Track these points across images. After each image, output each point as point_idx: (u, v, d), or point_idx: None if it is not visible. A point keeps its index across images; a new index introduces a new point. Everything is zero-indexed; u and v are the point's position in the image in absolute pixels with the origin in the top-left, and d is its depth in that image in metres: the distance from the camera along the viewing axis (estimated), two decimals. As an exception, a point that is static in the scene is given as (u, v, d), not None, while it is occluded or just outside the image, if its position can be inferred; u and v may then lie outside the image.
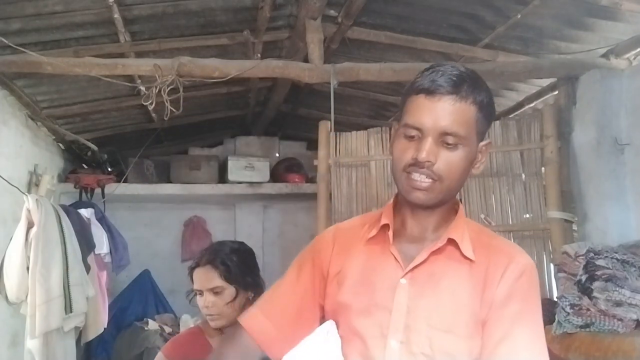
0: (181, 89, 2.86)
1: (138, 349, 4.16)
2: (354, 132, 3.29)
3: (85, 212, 3.86)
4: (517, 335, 1.06)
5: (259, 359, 1.21)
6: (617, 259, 2.36)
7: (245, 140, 5.52)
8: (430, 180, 1.08)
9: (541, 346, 1.08)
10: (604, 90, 2.83)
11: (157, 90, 2.83)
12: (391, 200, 1.22)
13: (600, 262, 2.35)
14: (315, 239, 1.30)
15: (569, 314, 2.32)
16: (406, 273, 1.12)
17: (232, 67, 3.00)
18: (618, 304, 2.22)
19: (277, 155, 5.51)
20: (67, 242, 3.16)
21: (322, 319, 1.22)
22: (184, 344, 1.83)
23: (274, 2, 2.97)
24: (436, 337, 1.07)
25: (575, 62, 2.97)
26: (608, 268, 2.32)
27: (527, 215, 3.03)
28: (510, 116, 3.72)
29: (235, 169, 4.83)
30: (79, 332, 3.37)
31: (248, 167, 4.85)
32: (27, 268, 2.90)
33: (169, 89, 2.83)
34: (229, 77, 2.98)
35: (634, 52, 2.79)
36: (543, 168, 3.02)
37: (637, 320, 2.19)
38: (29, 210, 2.99)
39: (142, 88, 3.28)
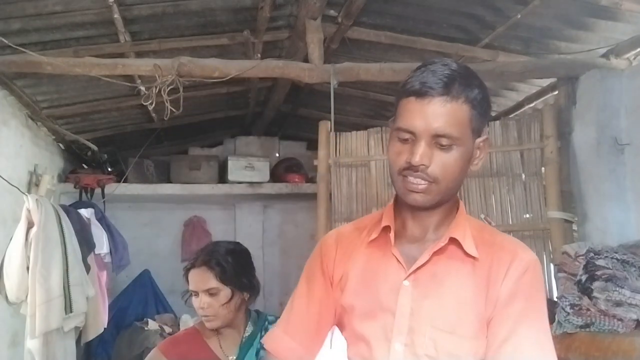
0: (181, 89, 2.86)
1: (138, 349, 4.16)
2: (354, 132, 3.29)
3: (85, 212, 3.86)
4: (522, 333, 1.05)
5: None
6: (617, 259, 2.35)
7: (245, 140, 5.52)
8: (426, 182, 1.07)
9: (547, 343, 1.06)
10: (604, 90, 2.83)
11: (157, 90, 2.83)
12: (391, 202, 1.21)
13: (600, 262, 2.35)
14: (319, 245, 1.29)
15: (569, 314, 2.31)
16: (409, 275, 1.11)
17: (232, 67, 3.00)
18: (618, 304, 2.21)
19: (277, 155, 5.51)
20: (67, 242, 3.16)
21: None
22: (182, 343, 1.83)
23: (274, 2, 2.97)
24: (440, 338, 1.06)
25: (575, 62, 2.97)
26: (608, 268, 2.32)
27: (527, 215, 3.03)
28: (510, 116, 3.73)
29: (235, 169, 4.83)
30: (79, 332, 3.37)
31: (248, 167, 4.85)
32: (27, 268, 2.90)
33: (169, 89, 2.83)
34: (229, 77, 2.98)
35: (634, 52, 2.79)
36: (543, 168, 3.02)
37: (637, 320, 2.19)
38: (29, 210, 2.99)
39: (142, 88, 3.28)
